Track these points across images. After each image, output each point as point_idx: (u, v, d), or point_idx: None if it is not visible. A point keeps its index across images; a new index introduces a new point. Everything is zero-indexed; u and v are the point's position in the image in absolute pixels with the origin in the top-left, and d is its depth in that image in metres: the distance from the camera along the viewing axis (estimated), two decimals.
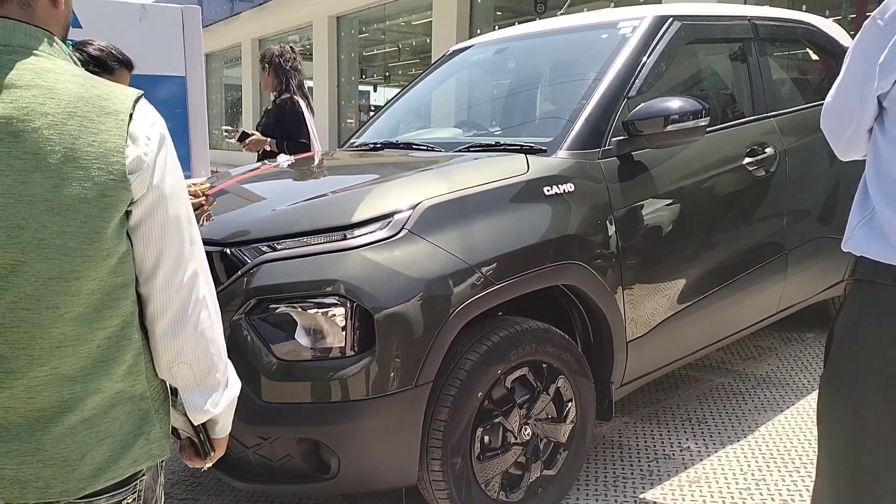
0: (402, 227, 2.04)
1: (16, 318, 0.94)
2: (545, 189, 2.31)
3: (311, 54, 14.40)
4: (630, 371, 2.58)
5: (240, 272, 2.04)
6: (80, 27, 4.07)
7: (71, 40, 2.22)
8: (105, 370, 1.00)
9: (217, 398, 1.14)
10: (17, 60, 0.94)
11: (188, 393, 1.12)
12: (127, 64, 2.16)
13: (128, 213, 1.00)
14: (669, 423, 3.07)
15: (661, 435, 2.97)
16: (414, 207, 2.08)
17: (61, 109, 0.93)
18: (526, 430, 2.24)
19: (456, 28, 10.09)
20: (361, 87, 14.89)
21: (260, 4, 13.74)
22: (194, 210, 2.45)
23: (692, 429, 3.02)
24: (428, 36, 11.26)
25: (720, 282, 2.87)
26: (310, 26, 14.26)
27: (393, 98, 3.84)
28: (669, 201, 2.66)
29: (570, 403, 2.36)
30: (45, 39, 0.99)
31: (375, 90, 15.67)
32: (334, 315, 1.95)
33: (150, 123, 1.02)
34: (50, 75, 0.95)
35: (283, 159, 3.09)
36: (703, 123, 2.51)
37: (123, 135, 0.97)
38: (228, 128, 19.83)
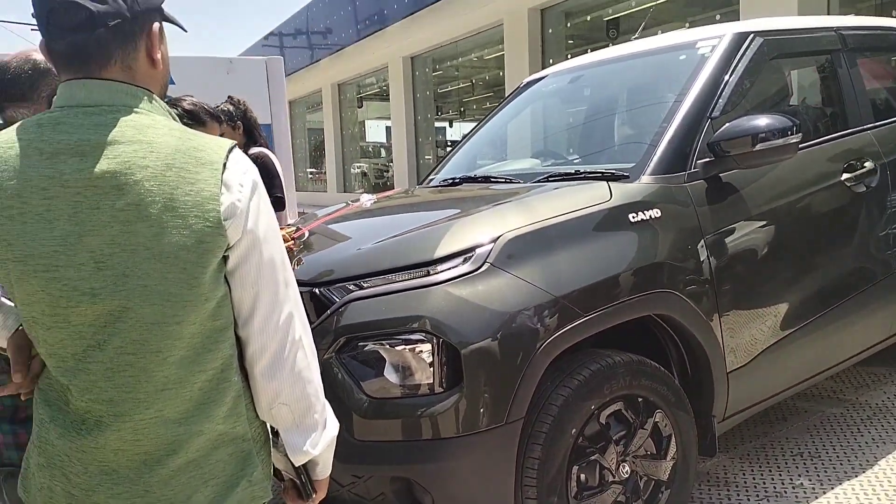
0: (485, 261, 2.02)
1: (122, 363, 0.98)
2: (630, 216, 2.25)
3: (388, 95, 14.78)
4: (732, 403, 2.45)
5: (328, 311, 2.07)
6: (174, 83, 4.32)
7: (168, 96, 2.37)
8: (207, 412, 1.03)
9: (316, 438, 1.14)
10: (121, 118, 1.00)
11: (288, 434, 1.13)
12: (216, 117, 2.28)
13: (225, 258, 1.03)
14: (779, 458, 2.88)
15: (770, 471, 2.79)
16: (495, 240, 2.07)
17: (160, 162, 0.98)
18: (624, 467, 2.15)
19: (528, 59, 10.13)
20: (437, 124, 15.12)
21: (338, 51, 14.25)
22: (290, 254, 2.53)
23: (804, 464, 2.82)
24: (501, 69, 11.37)
25: (826, 305, 2.70)
26: (385, 68, 14.65)
27: (469, 133, 3.87)
28: (764, 222, 2.54)
29: (670, 439, 2.25)
30: (145, 97, 1.05)
31: (451, 125, 15.88)
32: (421, 351, 1.94)
33: (242, 171, 1.06)
34: (150, 130, 1.00)
35: (366, 198, 3.16)
36: (794, 140, 2.40)
37: (218, 183, 1.01)
38: (313, 170, 20.53)
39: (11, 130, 1.01)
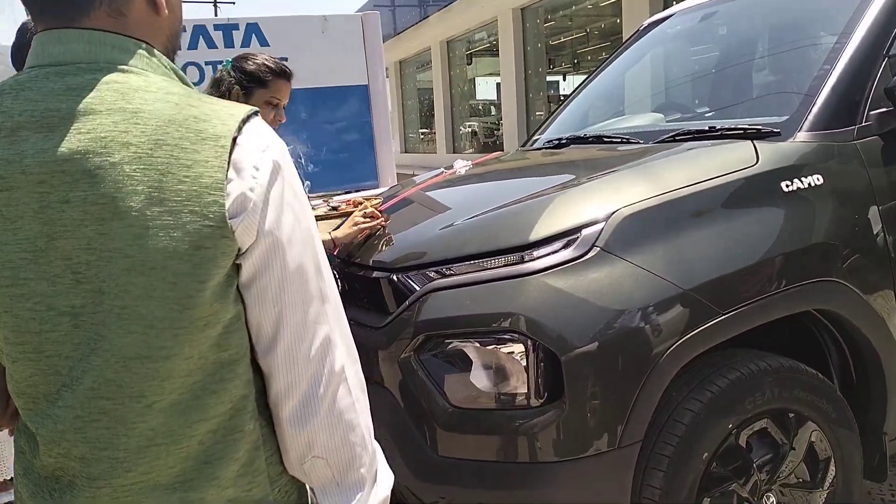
0: (594, 245, 1.65)
1: (95, 410, 0.75)
2: (783, 184, 1.81)
3: (498, 50, 14.36)
4: None
5: (407, 302, 1.78)
6: (268, 45, 4.16)
7: (228, 59, 2.11)
8: (210, 474, 0.79)
9: (363, 498, 0.89)
10: (101, 79, 0.76)
11: (326, 495, 0.88)
12: (282, 73, 1.98)
13: (238, 268, 0.78)
14: None
15: None
16: (608, 218, 1.69)
17: (146, 138, 0.74)
18: (770, 498, 1.75)
19: (648, 3, 9.35)
20: (550, 78, 14.58)
21: (446, 6, 13.93)
22: (372, 230, 2.23)
23: None
24: (618, 16, 10.61)
25: None
26: (495, 21, 14.23)
27: (580, 85, 3.42)
28: None
29: (829, 462, 1.83)
30: (140, 52, 0.80)
31: (564, 79, 15.28)
32: (513, 354, 1.62)
33: (260, 148, 0.79)
34: (137, 95, 0.76)
35: (460, 165, 2.82)
36: None
37: (224, 166, 0.75)
38: (424, 131, 20.51)
39: None
